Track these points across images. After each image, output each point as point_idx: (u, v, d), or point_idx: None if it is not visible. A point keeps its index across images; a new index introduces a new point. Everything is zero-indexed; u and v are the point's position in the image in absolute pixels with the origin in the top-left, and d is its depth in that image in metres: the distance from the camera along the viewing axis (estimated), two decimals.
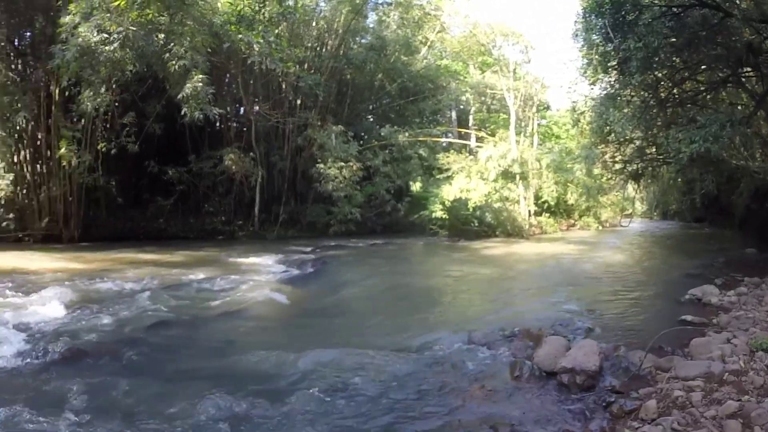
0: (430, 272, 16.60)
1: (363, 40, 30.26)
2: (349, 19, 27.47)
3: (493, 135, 30.75)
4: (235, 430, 5.12)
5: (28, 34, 22.62)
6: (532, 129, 32.73)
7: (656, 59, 13.50)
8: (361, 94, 31.51)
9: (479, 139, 32.43)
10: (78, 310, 9.60)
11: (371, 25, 31.24)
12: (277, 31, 23.86)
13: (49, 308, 9.69)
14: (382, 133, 28.57)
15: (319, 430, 5.16)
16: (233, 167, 24.67)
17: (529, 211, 28.70)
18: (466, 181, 25.68)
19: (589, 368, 5.87)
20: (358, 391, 5.97)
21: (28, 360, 7.12)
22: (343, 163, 25.02)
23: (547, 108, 41.41)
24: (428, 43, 33.70)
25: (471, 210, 24.87)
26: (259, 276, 13.62)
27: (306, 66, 26.71)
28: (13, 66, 21.83)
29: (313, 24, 28.09)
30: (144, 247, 19.86)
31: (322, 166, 24.82)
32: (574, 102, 22.49)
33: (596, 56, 16.29)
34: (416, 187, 30.82)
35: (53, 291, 10.93)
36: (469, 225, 25.12)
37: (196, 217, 26.26)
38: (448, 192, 25.25)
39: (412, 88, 31.38)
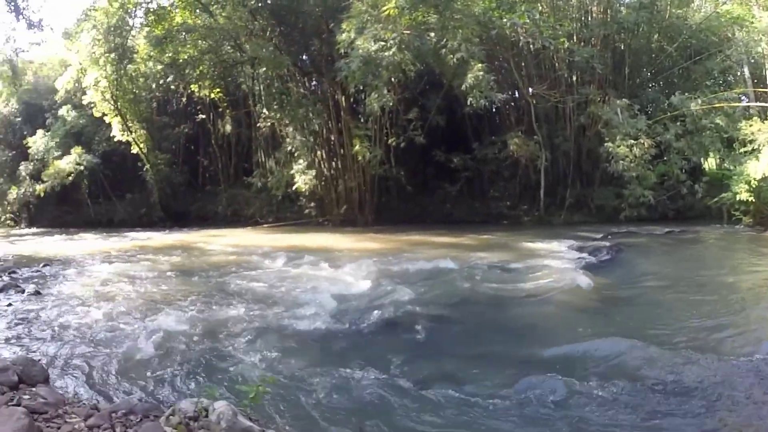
0: (734, 266, 14.27)
1: (629, 0, 27.01)
2: None
3: None
4: (543, 414, 4.96)
5: (306, 56, 26.85)
6: None
7: None
8: (638, 61, 28.20)
9: None
10: (382, 285, 10.28)
11: None
12: (539, 8, 23.21)
13: (357, 281, 10.75)
14: (671, 103, 25.55)
15: (644, 424, 4.77)
16: (517, 151, 24.57)
17: None
18: None
19: None
20: (671, 391, 5.39)
21: (343, 325, 7.83)
22: (632, 140, 23.25)
23: None
24: None
25: None
26: (552, 261, 13.15)
27: (575, 39, 25.31)
28: (301, 83, 26.18)
29: None
30: (432, 230, 20.88)
31: (610, 144, 23.11)
32: None
33: None
34: (711, 164, 26.61)
35: (358, 267, 12.07)
36: None
37: (481, 201, 26.75)
38: (755, 169, 21.08)
39: (694, 46, 27.19)
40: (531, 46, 22.00)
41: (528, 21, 20.31)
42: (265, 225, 26.51)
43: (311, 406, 5.12)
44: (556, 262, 13.06)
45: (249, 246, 17.50)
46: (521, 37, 21.37)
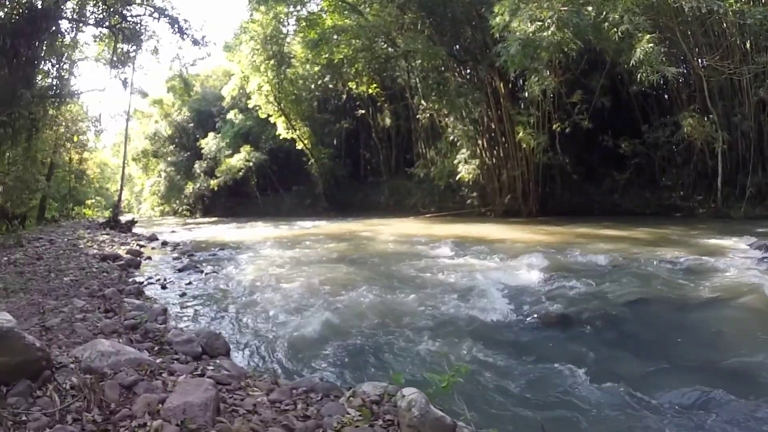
0: None
1: None
2: None
3: None
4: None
5: (459, 45, 26.58)
6: None
7: None
8: None
9: None
10: (552, 278, 9.81)
11: None
12: None
13: (525, 273, 10.30)
14: None
15: None
16: (692, 133, 22.29)
17: None
18: None
19: None
20: None
21: (518, 318, 7.54)
22: None
23: None
24: None
25: None
26: (734, 261, 11.75)
27: None
28: (457, 72, 26.00)
29: None
30: (600, 222, 19.84)
31: None
32: None
33: None
34: None
35: (526, 259, 11.59)
36: None
37: (652, 191, 24.87)
38: None
39: None
40: (696, 11, 19.83)
41: None
42: (427, 215, 26.73)
43: (495, 399, 4.91)
44: (737, 262, 11.66)
45: (413, 235, 17.58)
46: (684, 2, 19.25)
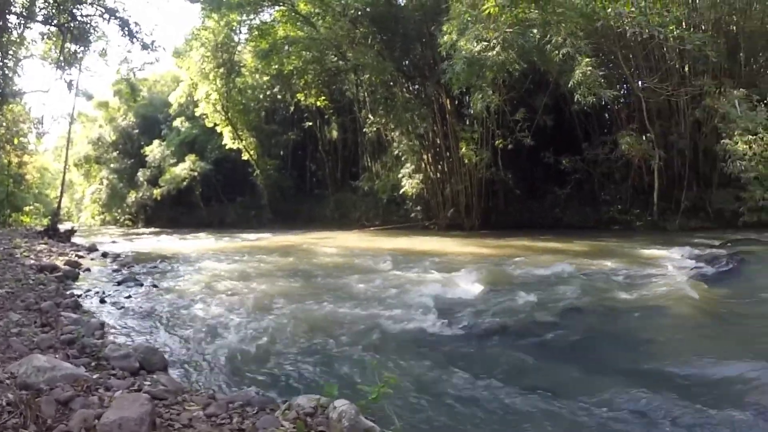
0: None
1: None
2: None
3: None
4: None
5: (408, 61, 27.26)
6: None
7: None
8: (754, 46, 25.30)
9: None
10: (492, 290, 10.12)
11: None
12: None
13: (465, 286, 10.55)
14: None
15: None
16: (629, 151, 23.35)
17: None
18: None
19: None
20: None
21: (456, 329, 7.71)
22: (751, 136, 21.39)
23: None
24: None
25: None
26: (666, 270, 12.46)
27: (684, 25, 22.97)
28: (405, 88, 26.52)
29: None
30: (541, 236, 20.44)
31: (727, 141, 21.09)
32: None
33: None
34: None
35: (467, 271, 11.89)
36: None
37: (591, 206, 25.82)
38: None
39: None
40: (638, 36, 20.81)
41: (633, 9, 19.46)
42: (371, 228, 26.87)
43: (427, 410, 5.05)
44: (670, 272, 12.34)
45: (356, 248, 17.76)
46: (627, 27, 20.28)
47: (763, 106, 21.46)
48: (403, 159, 26.61)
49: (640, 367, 6.33)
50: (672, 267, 13.03)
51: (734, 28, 24.67)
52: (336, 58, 27.98)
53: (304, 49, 27.32)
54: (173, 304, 9.31)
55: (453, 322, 7.98)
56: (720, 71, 23.72)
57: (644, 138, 23.46)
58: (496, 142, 23.27)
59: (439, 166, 26.02)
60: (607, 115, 26.57)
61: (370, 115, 29.04)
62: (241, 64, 33.83)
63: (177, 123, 40.51)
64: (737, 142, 20.75)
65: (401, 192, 26.27)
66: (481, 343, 7.20)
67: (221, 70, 32.97)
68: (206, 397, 4.55)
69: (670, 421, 4.80)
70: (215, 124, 35.37)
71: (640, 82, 24.16)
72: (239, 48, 34.51)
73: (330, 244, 19.22)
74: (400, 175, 26.39)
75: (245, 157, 36.14)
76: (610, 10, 19.47)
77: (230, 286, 11.01)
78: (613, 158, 24.50)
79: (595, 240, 19.52)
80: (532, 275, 11.95)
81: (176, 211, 41.04)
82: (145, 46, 20.59)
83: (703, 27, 23.45)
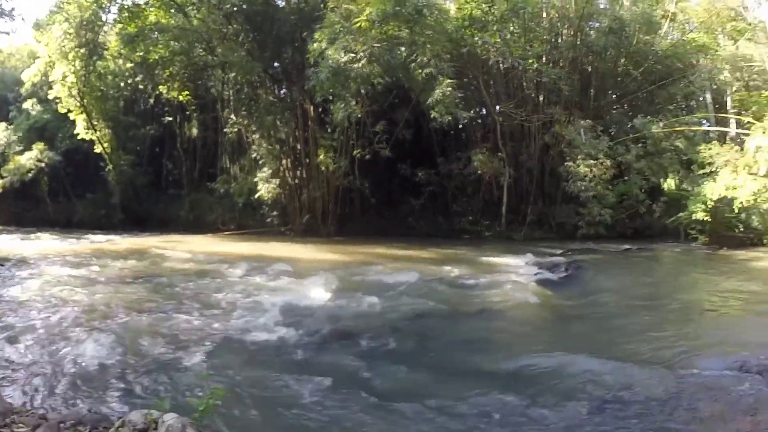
0: (689, 284, 14.77)
1: (599, 25, 27.66)
2: (581, 4, 25.90)
3: (758, 119, 26.70)
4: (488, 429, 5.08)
5: (278, 63, 26.63)
6: None
7: None
8: (605, 84, 29.14)
9: (742, 125, 28.40)
10: (341, 297, 10.41)
11: (605, 7, 28.54)
12: (510, 28, 24.00)
13: (315, 292, 10.82)
14: (633, 125, 26.18)
15: None
16: (481, 168, 24.90)
17: None
18: (732, 177, 22.13)
19: None
20: (619, 406, 5.60)
21: (301, 336, 7.87)
22: (592, 161, 23.88)
23: None
24: (669, 16, 29.74)
25: (737, 211, 21.45)
26: (511, 276, 13.43)
27: (544, 60, 25.96)
28: (270, 90, 26.02)
29: (545, 15, 27.12)
30: (394, 243, 20.96)
31: (571, 164, 23.77)
32: None
33: None
34: (670, 185, 27.35)
35: (318, 278, 12.13)
36: (733, 231, 21.79)
37: (444, 216, 26.95)
38: (712, 190, 21.88)
39: (659, 71, 28.10)
40: (501, 65, 22.44)
41: (499, 40, 20.85)
42: (226, 232, 26.01)
43: (264, 419, 5.19)
44: (514, 278, 13.35)
45: (209, 253, 17.36)
46: (492, 56, 21.80)
47: (605, 136, 24.67)
48: (261, 163, 26.13)
49: (482, 367, 6.79)
50: (515, 274, 14.07)
51: (589, 67, 27.79)
52: (204, 52, 26.95)
53: (173, 39, 26.11)
54: (8, 315, 8.77)
55: (300, 330, 8.11)
56: (571, 103, 26.30)
57: (497, 157, 25.23)
58: (355, 151, 23.61)
59: (298, 172, 25.84)
60: (464, 133, 28.01)
61: (232, 115, 28.05)
62: (105, 47, 31.45)
63: (28, 105, 36.46)
64: (579, 165, 23.32)
65: (256, 196, 25.80)
66: (324, 349, 7.40)
67: (83, 50, 30.14)
68: (37, 418, 4.43)
69: (509, 417, 5.25)
70: (69, 111, 32.52)
71: (498, 106, 25.90)
72: (105, 29, 31.96)
73: (183, 249, 18.58)
74: (256, 179, 25.91)
75: (98, 149, 33.32)
76: (477, 38, 20.67)
77: (73, 294, 10.53)
78: (466, 173, 25.95)
79: (446, 248, 20.46)
80: (382, 282, 12.36)
81: (19, 207, 36.94)
82: (2, 14, 18.75)
83: (561, 63, 26.10)
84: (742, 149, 23.38)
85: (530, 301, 10.93)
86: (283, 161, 25.89)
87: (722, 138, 27.42)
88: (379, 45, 19.12)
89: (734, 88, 30.36)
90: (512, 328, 9.34)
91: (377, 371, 6.46)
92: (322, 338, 7.80)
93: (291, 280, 12.12)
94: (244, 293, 10.52)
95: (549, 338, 8.58)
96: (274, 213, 25.96)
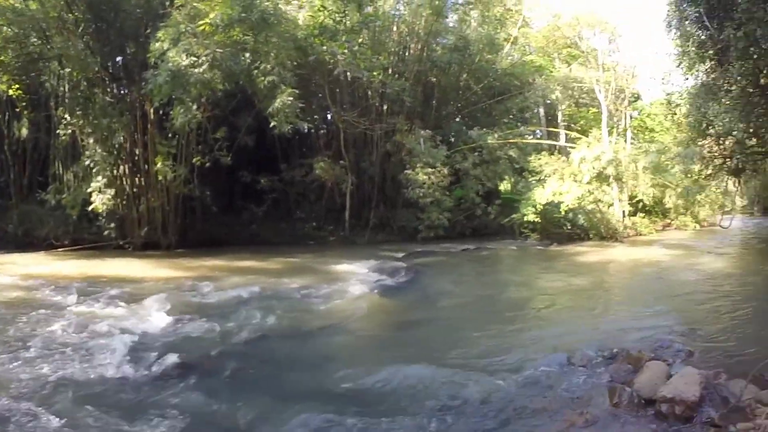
0: (523, 282, 16.25)
1: (446, 42, 29.95)
2: (430, 21, 27.36)
3: (584, 133, 29.83)
4: None
5: (120, 60, 24.65)
6: (625, 124, 30.80)
7: (758, 48, 12.82)
8: (447, 97, 31.24)
9: (569, 138, 31.40)
10: (182, 321, 10.02)
11: (453, 26, 30.85)
12: (360, 39, 24.70)
13: (153, 318, 10.27)
14: (471, 135, 28.22)
15: None
16: (323, 175, 25.39)
17: (623, 212, 27.36)
18: (559, 183, 24.89)
19: (688, 398, 5.60)
20: (454, 412, 5.92)
21: (138, 372, 7.42)
22: (431, 169, 25.09)
23: (638, 98, 39.17)
24: (511, 40, 33.07)
25: (563, 213, 24.22)
26: (353, 286, 13.71)
27: (390, 71, 27.12)
28: (109, 89, 23.78)
29: (395, 29, 28.30)
30: (238, 253, 20.78)
31: (410, 172, 25.05)
32: (668, 94, 22.38)
33: (692, 47, 15.85)
34: (505, 187, 29.68)
35: (157, 300, 11.51)
36: (562, 228, 24.59)
37: (287, 222, 27.09)
38: (541, 195, 24.56)
39: (498, 87, 31.06)
40: (347, 74, 22.86)
41: (347, 51, 21.15)
42: (60, 249, 23.34)
43: None
44: (356, 287, 13.64)
45: (39, 276, 15.21)
46: (339, 65, 22.12)
47: (444, 145, 26.96)
48: (96, 170, 23.56)
49: (322, 387, 6.86)
50: (357, 282, 14.40)
51: (433, 80, 29.54)
52: (40, 42, 24.28)
53: (7, 24, 22.43)
54: None
55: (137, 364, 7.62)
56: (414, 113, 27.94)
57: (339, 164, 25.96)
58: (194, 159, 22.73)
59: (137, 180, 23.96)
60: (308, 140, 28.31)
61: (66, 115, 25.29)
62: None
63: None
64: (418, 173, 24.96)
65: (90, 208, 23.32)
66: (167, 384, 7.01)
67: None
68: None
69: None
70: None
71: (342, 114, 26.27)
72: None
73: (7, 272, 16.00)
74: (90, 189, 23.41)
75: None
76: (325, 47, 20.91)
77: None
78: (308, 180, 26.47)
79: (290, 256, 20.53)
80: (223, 299, 12.10)
81: None
82: None
83: (406, 75, 27.37)
84: (568, 159, 26.49)
85: (371, 310, 11.36)
86: (121, 168, 23.90)
87: (552, 149, 30.74)
88: (222, 50, 18.53)
89: (565, 105, 34.28)
90: (353, 342, 9.60)
91: (222, 404, 6.30)
92: (162, 373, 7.36)
93: (127, 307, 11.26)
94: (72, 325, 9.53)
95: (388, 349, 8.85)
96: (112, 225, 23.56)
